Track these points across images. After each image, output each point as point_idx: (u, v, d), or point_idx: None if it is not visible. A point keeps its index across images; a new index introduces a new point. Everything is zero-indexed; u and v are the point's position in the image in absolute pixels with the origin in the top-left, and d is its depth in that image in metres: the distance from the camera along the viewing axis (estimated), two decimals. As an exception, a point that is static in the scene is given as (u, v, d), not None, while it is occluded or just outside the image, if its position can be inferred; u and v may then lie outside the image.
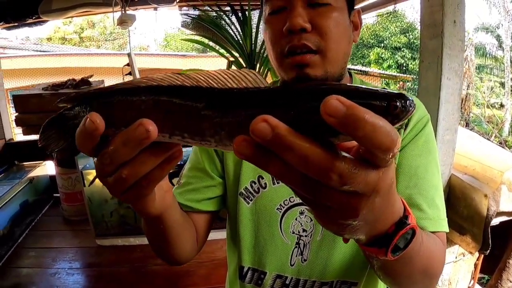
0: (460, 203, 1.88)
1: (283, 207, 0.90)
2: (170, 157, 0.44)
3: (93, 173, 2.73)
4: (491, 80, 17.06)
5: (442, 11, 1.67)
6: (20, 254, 2.82)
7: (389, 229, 0.45)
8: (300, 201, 0.85)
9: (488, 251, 1.75)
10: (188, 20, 3.67)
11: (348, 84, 0.34)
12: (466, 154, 2.00)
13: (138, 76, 3.59)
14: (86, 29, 21.31)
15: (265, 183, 0.91)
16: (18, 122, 3.09)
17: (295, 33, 0.76)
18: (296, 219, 0.90)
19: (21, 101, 3.09)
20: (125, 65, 3.62)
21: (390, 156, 0.31)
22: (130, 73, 3.59)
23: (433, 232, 0.79)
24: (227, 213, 1.03)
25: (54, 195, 3.77)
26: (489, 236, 1.74)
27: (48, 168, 3.82)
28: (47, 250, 2.87)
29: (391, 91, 0.34)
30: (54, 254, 2.81)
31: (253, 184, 0.92)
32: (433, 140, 0.88)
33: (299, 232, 0.90)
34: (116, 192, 0.46)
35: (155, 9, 3.50)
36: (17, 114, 3.10)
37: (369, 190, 0.34)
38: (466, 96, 13.81)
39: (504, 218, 1.82)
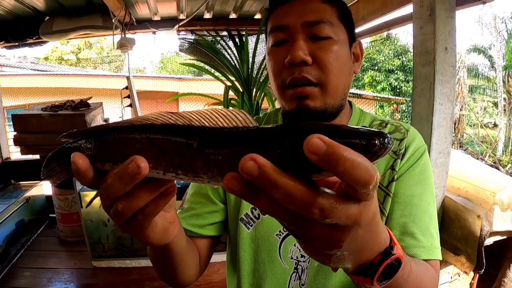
0: (454, 224, 1.90)
1: (282, 234, 0.92)
2: (164, 192, 0.45)
3: (90, 194, 2.72)
4: (484, 100, 17.24)
5: (434, 39, 1.72)
6: (15, 274, 2.80)
7: (375, 258, 0.47)
8: None
9: (483, 270, 1.77)
10: (186, 44, 3.74)
11: (332, 123, 0.37)
12: (459, 176, 2.03)
13: (136, 98, 3.62)
14: (83, 49, 21.41)
15: None
16: (16, 141, 3.09)
17: (296, 66, 0.79)
18: (294, 245, 0.91)
19: (20, 121, 3.08)
20: (123, 88, 3.66)
21: (370, 190, 0.34)
22: (128, 96, 3.62)
23: (426, 260, 0.80)
24: (228, 237, 1.04)
25: (50, 215, 3.75)
26: (483, 255, 1.75)
27: (44, 188, 3.81)
28: (43, 271, 2.85)
29: (371, 129, 0.36)
30: (50, 274, 2.79)
31: (253, 211, 0.94)
32: (429, 170, 0.90)
33: (297, 257, 0.91)
34: (117, 224, 0.48)
35: (154, 33, 3.57)
36: (15, 133, 3.09)
37: (351, 223, 0.36)
38: (459, 118, 13.94)
39: (497, 238, 1.84)
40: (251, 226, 0.94)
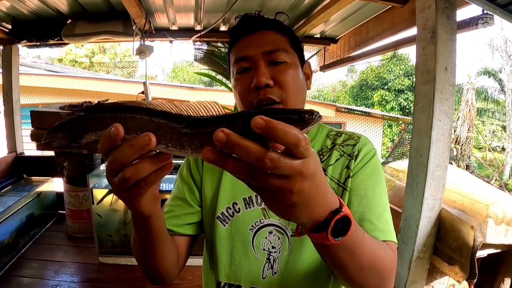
0: (450, 235, 1.98)
1: (255, 228, 1.04)
2: (163, 166, 0.57)
3: (102, 192, 2.85)
4: (493, 124, 17.17)
5: (435, 59, 1.84)
6: (22, 264, 2.91)
7: (327, 216, 0.57)
8: (269, 222, 1.02)
9: (475, 280, 1.83)
10: (201, 54, 3.85)
11: (279, 107, 0.51)
12: (455, 190, 2.11)
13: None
14: (97, 53, 21.60)
15: (239, 208, 1.06)
16: (33, 136, 3.19)
17: (261, 89, 0.95)
18: (266, 238, 1.03)
19: (38, 117, 3.21)
20: (139, 93, 3.78)
21: (303, 149, 0.46)
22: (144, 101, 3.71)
23: (384, 241, 0.91)
24: (205, 238, 1.16)
25: (59, 211, 3.88)
26: (476, 265, 1.83)
27: (55, 184, 3.93)
28: (50, 263, 2.95)
29: (305, 109, 0.49)
30: (57, 267, 2.89)
31: (228, 209, 1.06)
32: (379, 168, 1.05)
33: (269, 249, 1.03)
34: (119, 190, 0.58)
35: (171, 41, 3.69)
36: (33, 129, 3.21)
37: (296, 173, 0.48)
38: (466, 139, 13.87)
39: (492, 251, 1.92)
40: (227, 223, 1.06)
